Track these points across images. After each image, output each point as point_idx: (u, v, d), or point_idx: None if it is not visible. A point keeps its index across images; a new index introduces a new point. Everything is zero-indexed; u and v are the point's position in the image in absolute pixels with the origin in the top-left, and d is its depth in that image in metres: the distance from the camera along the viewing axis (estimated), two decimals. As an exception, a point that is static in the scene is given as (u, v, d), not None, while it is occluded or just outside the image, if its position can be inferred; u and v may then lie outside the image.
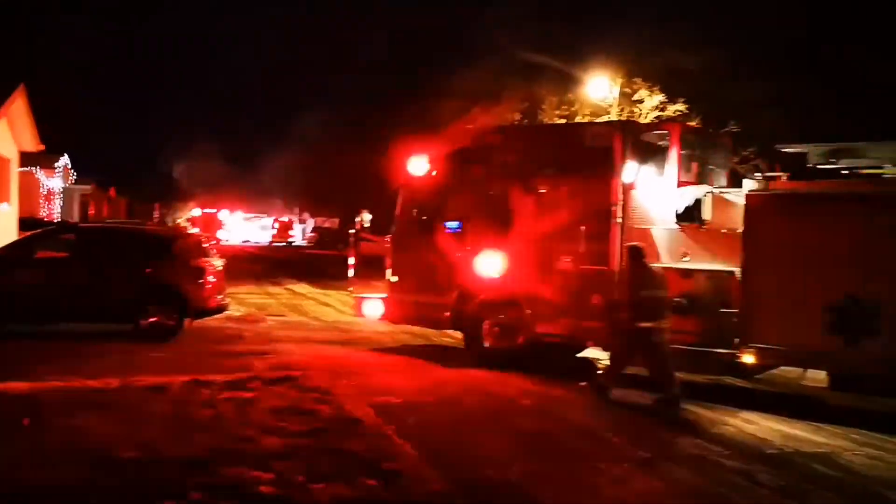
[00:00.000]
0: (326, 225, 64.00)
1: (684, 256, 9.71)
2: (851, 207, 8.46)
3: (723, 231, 9.37)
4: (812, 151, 8.98)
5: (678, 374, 8.87)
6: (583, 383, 9.90)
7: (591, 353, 11.75)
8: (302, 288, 22.83)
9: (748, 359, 8.90)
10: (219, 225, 63.30)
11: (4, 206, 18.07)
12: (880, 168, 8.80)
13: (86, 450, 6.14)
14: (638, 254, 9.17)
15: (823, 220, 8.58)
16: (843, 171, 9.08)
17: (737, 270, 9.06)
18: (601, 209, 10.07)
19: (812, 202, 8.76)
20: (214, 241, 16.44)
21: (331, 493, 5.46)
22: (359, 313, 12.42)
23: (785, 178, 9.03)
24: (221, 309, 13.36)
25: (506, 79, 25.90)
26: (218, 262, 13.38)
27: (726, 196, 9.50)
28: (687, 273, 9.67)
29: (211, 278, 12.74)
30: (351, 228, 13.79)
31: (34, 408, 7.27)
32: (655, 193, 10.00)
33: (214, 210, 66.67)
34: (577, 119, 24.15)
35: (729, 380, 9.89)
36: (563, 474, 6.26)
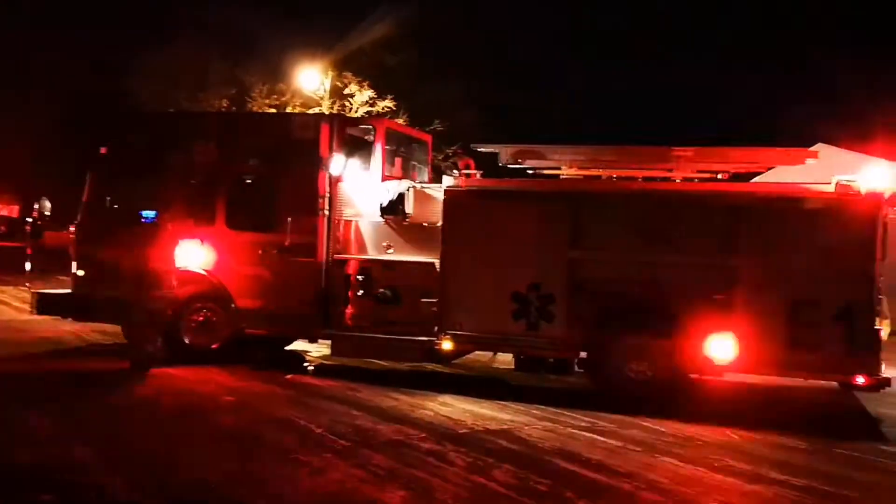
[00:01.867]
0: (4, 213, 56.68)
1: (388, 248, 10.04)
2: (531, 204, 9.34)
3: (424, 224, 9.84)
4: (503, 151, 9.72)
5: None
6: (288, 376, 9.83)
7: (298, 345, 11.72)
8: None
9: (446, 345, 9.43)
10: None
11: None
12: (559, 168, 9.79)
13: None
14: None
15: (509, 216, 9.36)
16: (528, 171, 9.97)
17: (437, 262, 9.56)
18: (308, 201, 10.05)
19: (500, 198, 9.52)
20: None
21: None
22: (38, 311, 11.15)
23: (478, 175, 9.71)
24: None
25: (211, 63, 24.83)
26: None
27: (427, 191, 9.97)
28: (390, 265, 10.03)
29: None
30: (28, 217, 12.32)
31: None
32: (361, 187, 10.21)
33: None
34: (289, 109, 23.97)
35: (430, 366, 10.41)
36: (263, 470, 6.13)
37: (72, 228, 10.95)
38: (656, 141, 9.76)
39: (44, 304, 11.14)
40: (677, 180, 9.29)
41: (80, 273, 10.75)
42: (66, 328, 12.31)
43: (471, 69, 26.93)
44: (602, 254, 9.02)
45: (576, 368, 9.41)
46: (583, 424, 7.92)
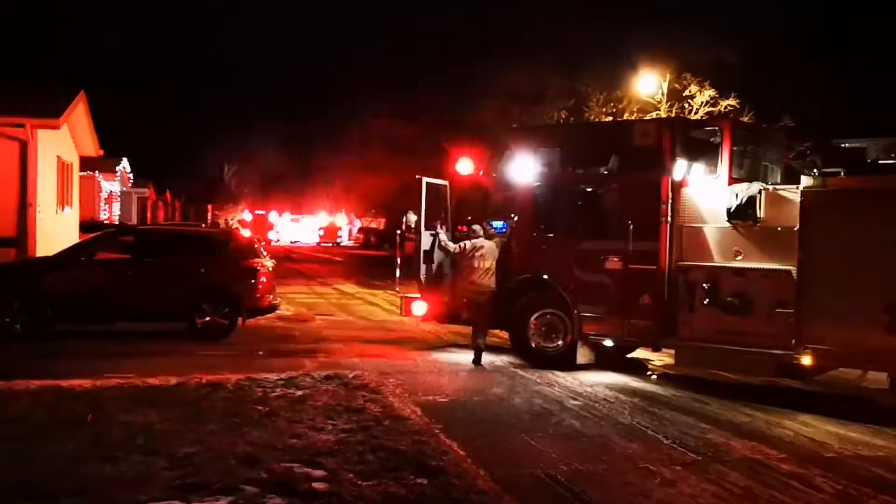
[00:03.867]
0: (372, 225, 64.55)
1: (737, 255, 9.54)
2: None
3: (778, 228, 9.19)
4: (871, 146, 8.72)
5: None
6: (632, 384, 9.83)
7: (641, 353, 11.65)
8: (349, 287, 23.06)
9: (805, 360, 8.70)
10: (268, 226, 64.36)
11: (67, 209, 18.63)
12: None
13: (145, 444, 6.31)
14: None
15: (883, 218, 8.34)
16: (903, 167, 8.80)
17: (793, 269, 8.87)
18: (650, 207, 9.96)
19: (871, 199, 8.53)
20: (264, 242, 16.72)
21: (380, 490, 5.52)
22: (406, 313, 12.50)
23: (842, 173, 8.81)
24: (272, 308, 13.58)
25: (549, 77, 25.80)
26: (269, 263, 13.60)
27: (781, 193, 9.30)
28: (740, 272, 9.49)
29: (262, 278, 12.96)
30: (398, 229, 13.91)
31: (96, 404, 7.51)
32: (707, 191, 9.85)
33: (264, 212, 67.78)
34: (625, 116, 23.93)
35: (785, 381, 9.68)
36: (611, 475, 6.21)
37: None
38: None
39: (409, 308, 12.44)
40: None
41: (443, 280, 11.85)
42: (426, 328, 13.70)
43: (824, 58, 24.50)
44: None
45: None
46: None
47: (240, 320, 12.64)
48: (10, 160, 14.89)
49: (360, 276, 27.33)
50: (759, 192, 9.28)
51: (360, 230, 65.31)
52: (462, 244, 11.12)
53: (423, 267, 11.90)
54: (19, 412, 7.19)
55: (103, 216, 32.23)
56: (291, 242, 62.73)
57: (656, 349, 10.89)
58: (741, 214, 9.35)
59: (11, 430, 6.60)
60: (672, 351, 10.32)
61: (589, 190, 10.93)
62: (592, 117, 24.43)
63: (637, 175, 10.22)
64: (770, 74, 23.90)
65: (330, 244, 61.75)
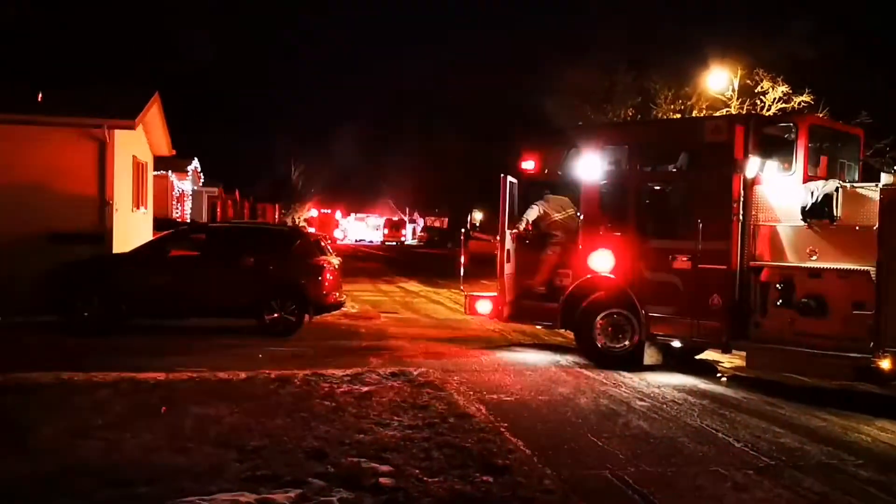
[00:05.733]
0: (436, 224, 64.87)
1: (812, 254, 9.24)
2: None
3: (856, 228, 8.86)
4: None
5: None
6: (701, 385, 9.62)
7: (710, 354, 11.40)
8: (414, 286, 23.20)
9: (885, 364, 8.37)
10: (334, 224, 65.30)
11: (142, 207, 19.25)
12: None
13: (216, 436, 6.48)
14: None
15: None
16: None
17: (871, 269, 8.54)
18: (721, 206, 9.73)
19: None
20: (330, 241, 16.95)
21: (446, 486, 5.54)
22: (470, 311, 12.50)
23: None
24: (339, 305, 13.77)
25: (615, 75, 25.49)
26: (335, 261, 13.79)
27: (859, 191, 8.97)
28: (816, 272, 9.19)
29: (329, 276, 13.15)
30: (461, 227, 13.93)
31: (170, 396, 7.75)
32: (781, 189, 9.57)
33: (330, 210, 68.82)
34: (694, 113, 23.45)
35: (863, 386, 9.34)
36: (680, 478, 6.09)
37: (497, 237, 12.08)
38: None
39: (473, 306, 12.42)
40: None
41: (505, 278, 11.82)
42: (490, 326, 13.69)
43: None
44: None
45: None
46: None
47: (306, 317, 12.85)
48: (90, 159, 15.45)
49: (424, 274, 27.47)
50: (836, 190, 8.97)
51: (424, 228, 65.69)
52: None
53: (506, 266, 11.81)
54: (99, 402, 7.47)
55: (175, 214, 33.17)
56: (357, 241, 63.53)
57: (726, 351, 10.60)
58: (817, 213, 9.05)
59: (92, 419, 6.87)
60: (743, 353, 10.05)
61: (657, 188, 10.77)
62: (660, 114, 24.01)
63: (707, 172, 10.00)
64: (846, 70, 23.08)
65: (394, 242, 62.30)
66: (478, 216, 11.80)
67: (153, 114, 18.43)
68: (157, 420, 6.96)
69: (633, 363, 10.40)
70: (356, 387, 8.42)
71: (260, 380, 8.63)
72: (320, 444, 6.37)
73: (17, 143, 15.13)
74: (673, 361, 10.58)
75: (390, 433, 6.76)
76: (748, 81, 22.93)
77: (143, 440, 6.36)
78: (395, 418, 7.24)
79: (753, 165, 9.70)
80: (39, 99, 15.81)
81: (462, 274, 13.01)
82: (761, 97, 22.69)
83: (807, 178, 9.43)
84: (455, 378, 9.38)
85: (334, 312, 13.84)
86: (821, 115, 18.21)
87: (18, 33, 27.38)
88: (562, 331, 11.89)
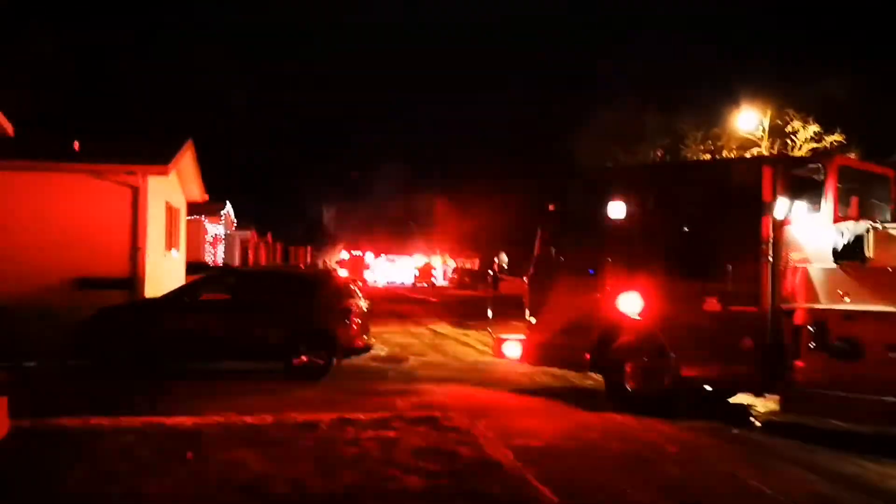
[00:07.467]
0: (467, 266, 64.88)
1: (844, 296, 9.07)
2: None
3: (889, 269, 8.71)
4: None
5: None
6: (735, 430, 9.41)
7: (743, 398, 11.16)
8: (443, 328, 23.13)
9: (923, 408, 8.14)
10: (365, 267, 65.67)
11: (174, 252, 19.56)
12: None
13: (241, 483, 6.47)
14: None
15: None
16: None
17: (906, 311, 8.35)
18: (750, 247, 9.63)
19: None
20: (360, 283, 17.04)
21: (470, 535, 5.46)
22: (498, 354, 12.42)
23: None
24: (367, 349, 13.77)
25: (645, 115, 25.56)
26: (364, 303, 13.83)
27: (891, 231, 8.83)
28: (851, 315, 9.00)
29: (357, 319, 13.19)
30: (489, 269, 13.93)
31: (196, 441, 7.78)
32: (811, 230, 9.45)
33: (360, 253, 69.29)
34: (724, 154, 23.36)
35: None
36: (712, 527, 5.94)
37: (524, 278, 12.07)
38: None
39: (501, 349, 12.36)
40: None
41: (533, 321, 11.76)
42: (519, 369, 13.54)
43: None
44: None
45: None
46: None
47: (335, 360, 12.87)
48: (124, 205, 15.81)
49: (453, 316, 27.39)
50: (867, 231, 8.83)
51: (455, 270, 65.73)
52: None
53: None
54: (126, 447, 7.51)
55: (208, 258, 33.66)
56: (387, 283, 63.71)
57: (759, 394, 10.40)
58: (848, 254, 8.91)
59: (119, 465, 6.90)
60: (776, 396, 9.84)
61: (686, 229, 10.67)
62: (690, 155, 23.95)
63: (736, 214, 9.92)
64: (879, 109, 22.88)
65: (425, 284, 62.34)
66: (505, 258, 11.78)
67: (186, 160, 18.83)
68: (182, 466, 6.97)
69: (664, 407, 10.21)
70: (382, 432, 8.37)
71: (286, 424, 8.63)
72: (346, 491, 6.33)
73: (52, 190, 15.57)
74: (705, 405, 10.38)
75: (415, 480, 6.70)
76: (778, 121, 22.83)
77: (167, 487, 6.37)
78: (421, 464, 7.17)
79: (782, 207, 9.61)
80: (76, 147, 16.26)
81: (490, 316, 12.96)
82: (792, 137, 22.56)
83: (837, 219, 9.30)
84: (482, 422, 9.28)
85: (363, 355, 13.84)
86: (851, 156, 18.03)
87: (55, 84, 28.30)
88: (591, 374, 11.73)
